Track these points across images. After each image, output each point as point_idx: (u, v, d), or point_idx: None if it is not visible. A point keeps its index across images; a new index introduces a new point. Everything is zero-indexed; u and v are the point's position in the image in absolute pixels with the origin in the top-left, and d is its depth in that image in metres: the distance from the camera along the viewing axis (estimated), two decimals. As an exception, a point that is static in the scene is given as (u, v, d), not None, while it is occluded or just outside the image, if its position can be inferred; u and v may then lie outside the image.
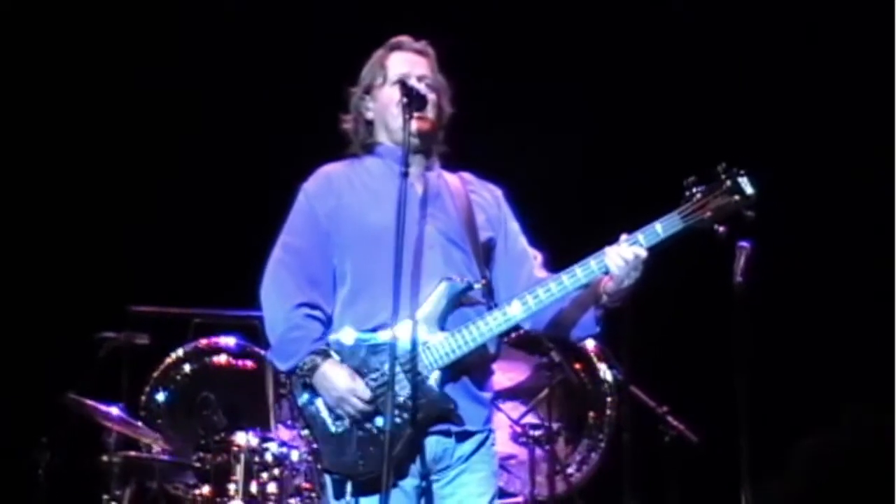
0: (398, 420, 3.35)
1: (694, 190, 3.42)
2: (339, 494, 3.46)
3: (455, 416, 3.42)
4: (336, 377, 3.41)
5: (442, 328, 3.44)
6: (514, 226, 3.73)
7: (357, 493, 3.42)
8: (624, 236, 3.44)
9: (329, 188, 3.63)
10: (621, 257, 3.40)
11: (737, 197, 3.40)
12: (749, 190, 3.41)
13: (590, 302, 3.53)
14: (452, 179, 3.68)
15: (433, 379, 3.41)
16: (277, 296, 3.54)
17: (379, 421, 3.37)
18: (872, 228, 6.25)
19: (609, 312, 3.58)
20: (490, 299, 3.56)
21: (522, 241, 3.72)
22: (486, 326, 3.43)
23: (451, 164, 3.76)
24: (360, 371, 3.43)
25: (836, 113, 6.40)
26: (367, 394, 3.39)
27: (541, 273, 3.64)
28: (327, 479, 3.52)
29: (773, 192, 6.44)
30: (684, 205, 3.42)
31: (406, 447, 3.37)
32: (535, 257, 3.80)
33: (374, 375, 3.41)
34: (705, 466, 5.74)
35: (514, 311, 3.44)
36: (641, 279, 3.44)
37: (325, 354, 3.45)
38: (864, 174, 6.34)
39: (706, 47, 6.60)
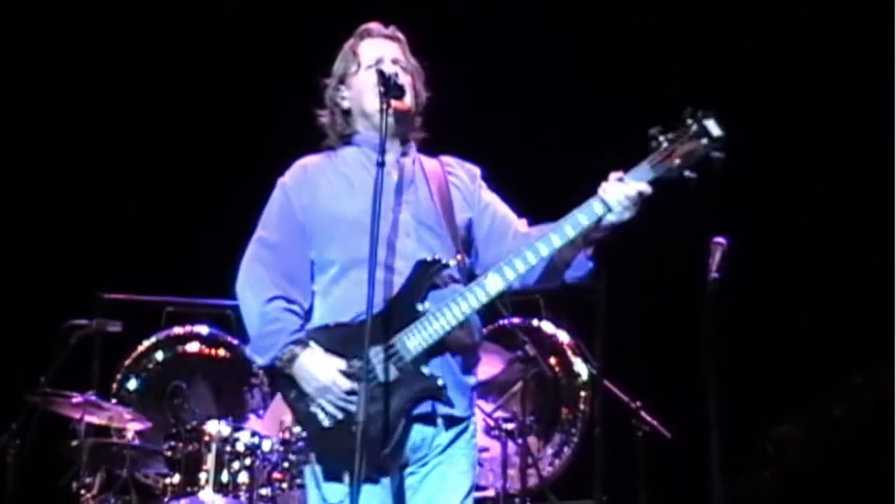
0: (380, 407, 3.32)
1: (661, 139, 3.34)
2: (330, 477, 3.42)
3: (443, 393, 3.37)
4: (316, 367, 3.39)
5: (420, 310, 3.40)
6: (490, 196, 3.69)
7: (341, 479, 3.38)
8: (613, 175, 3.37)
9: (305, 181, 3.61)
10: (624, 195, 3.33)
11: (704, 140, 3.31)
12: (716, 132, 3.31)
13: (578, 243, 3.45)
14: (430, 164, 3.66)
15: (415, 362, 3.37)
16: (253, 291, 3.51)
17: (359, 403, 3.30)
18: (849, 226, 6.28)
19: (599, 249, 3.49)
20: (469, 279, 3.51)
21: (502, 207, 3.67)
22: (465, 304, 3.38)
23: (431, 149, 3.74)
24: (341, 358, 3.40)
25: (816, 108, 6.41)
26: (347, 384, 3.36)
27: (525, 229, 3.58)
28: (317, 467, 3.46)
29: (749, 188, 6.50)
30: (652, 154, 3.34)
31: (398, 439, 3.35)
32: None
33: (353, 362, 3.38)
34: (678, 462, 5.75)
35: (497, 282, 3.38)
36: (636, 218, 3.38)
37: (304, 344, 3.42)
38: (841, 169, 6.35)
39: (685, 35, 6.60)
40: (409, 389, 3.37)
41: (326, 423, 3.39)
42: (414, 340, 3.37)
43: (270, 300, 3.48)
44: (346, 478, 3.35)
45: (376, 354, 3.35)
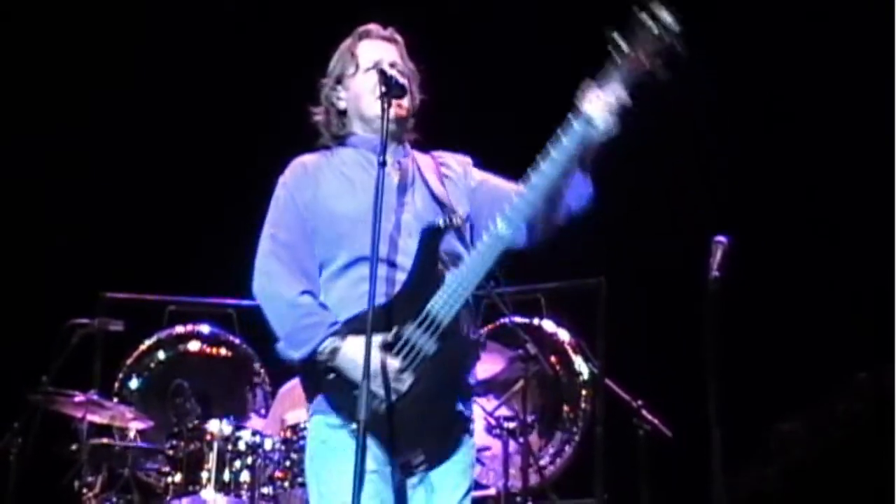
0: (429, 383, 3.31)
1: (620, 42, 3.30)
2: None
3: (482, 347, 3.38)
4: (359, 354, 3.27)
5: (441, 275, 3.37)
6: (482, 174, 3.67)
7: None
8: (587, 89, 3.34)
9: (307, 178, 3.59)
10: (604, 102, 3.30)
11: (664, 35, 3.27)
12: (669, 20, 3.28)
13: (571, 174, 3.41)
14: (424, 161, 3.66)
15: (453, 323, 3.34)
16: (279, 288, 3.45)
17: (409, 380, 3.31)
18: (850, 224, 6.28)
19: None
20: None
21: (496, 179, 3.65)
22: (479, 256, 3.36)
23: (427, 146, 3.75)
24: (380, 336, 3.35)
25: (817, 108, 6.42)
26: (396, 362, 3.34)
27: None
28: (345, 431, 3.35)
29: (750, 187, 6.51)
30: (616, 59, 3.30)
31: (451, 411, 3.36)
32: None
33: (390, 338, 3.34)
34: (679, 461, 5.76)
35: (500, 227, 3.35)
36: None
37: (343, 335, 3.36)
38: (841, 169, 6.36)
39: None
40: (453, 354, 3.36)
41: (381, 409, 3.33)
42: (444, 304, 3.34)
43: (301, 294, 3.43)
44: (394, 458, 3.33)
45: (412, 331, 3.33)
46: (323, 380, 3.40)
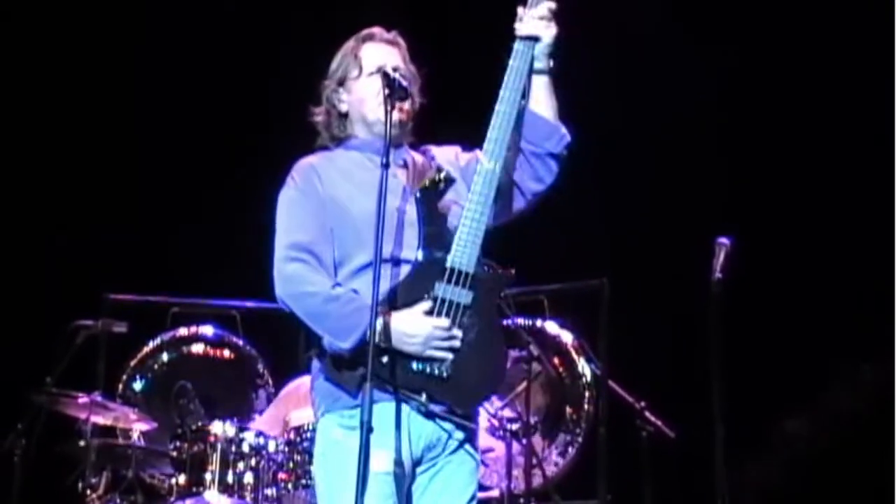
0: (476, 330, 3.39)
1: None
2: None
3: (511, 274, 3.45)
4: (408, 324, 3.34)
5: (451, 230, 3.44)
6: (468, 154, 3.69)
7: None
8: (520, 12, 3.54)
9: (317, 177, 3.59)
10: (537, 16, 3.52)
11: None
12: None
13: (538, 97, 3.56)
14: (420, 160, 3.68)
15: (479, 266, 3.41)
16: (308, 286, 3.43)
17: (460, 333, 3.37)
18: (852, 226, 6.29)
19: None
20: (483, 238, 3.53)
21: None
22: (476, 194, 3.43)
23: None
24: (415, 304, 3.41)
25: (819, 108, 6.42)
26: (445, 321, 3.37)
27: None
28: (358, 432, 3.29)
29: (752, 189, 6.51)
30: None
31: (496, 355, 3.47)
32: None
33: (430, 301, 3.39)
34: (682, 462, 5.76)
35: (486, 163, 3.45)
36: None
37: (385, 313, 3.36)
38: (843, 169, 6.36)
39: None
40: (489, 296, 3.43)
41: (446, 372, 3.37)
42: (464, 253, 3.40)
43: (335, 286, 3.43)
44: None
45: (444, 290, 3.37)
46: (374, 364, 3.30)
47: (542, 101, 3.58)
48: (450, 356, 3.38)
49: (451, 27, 6.71)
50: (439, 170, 3.53)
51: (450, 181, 3.50)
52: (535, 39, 3.53)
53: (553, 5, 3.54)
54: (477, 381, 3.43)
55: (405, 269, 3.43)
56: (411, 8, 5.89)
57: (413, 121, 3.68)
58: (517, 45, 3.53)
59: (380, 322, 3.32)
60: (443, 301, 3.38)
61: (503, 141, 3.48)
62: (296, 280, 3.45)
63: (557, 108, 3.60)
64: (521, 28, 3.54)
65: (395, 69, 3.59)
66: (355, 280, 3.47)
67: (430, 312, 3.38)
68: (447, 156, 3.70)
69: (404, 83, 3.53)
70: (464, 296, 3.39)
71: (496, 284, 3.47)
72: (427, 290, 3.39)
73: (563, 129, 3.60)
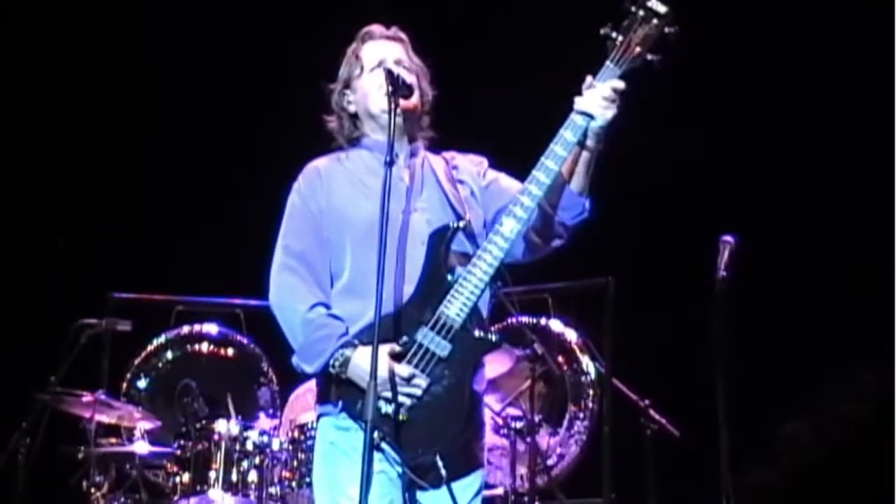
0: (445, 384, 3.34)
1: (614, 35, 3.41)
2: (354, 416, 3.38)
3: (500, 342, 3.41)
4: (369, 364, 3.28)
5: (450, 280, 3.40)
6: (494, 172, 3.69)
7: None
8: (584, 86, 3.43)
9: (320, 184, 3.60)
10: (601, 96, 3.39)
11: (655, 21, 3.40)
12: (662, 8, 3.41)
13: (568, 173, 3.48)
14: (438, 163, 3.66)
15: (465, 326, 3.37)
16: (291, 302, 3.48)
17: (424, 383, 3.34)
18: (856, 225, 6.28)
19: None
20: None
21: (507, 179, 3.67)
22: (489, 255, 3.38)
23: (439, 144, 3.75)
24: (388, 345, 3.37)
25: (822, 107, 6.41)
26: (406, 370, 3.35)
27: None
28: (354, 433, 3.36)
29: (757, 187, 6.50)
30: (612, 52, 3.41)
31: (469, 410, 3.37)
32: None
33: (402, 343, 3.36)
34: (686, 460, 5.76)
35: (507, 224, 3.39)
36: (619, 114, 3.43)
37: (353, 346, 3.38)
38: (846, 168, 6.35)
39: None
40: (466, 355, 3.37)
41: (402, 416, 3.34)
42: (456, 306, 3.36)
43: (312, 307, 3.45)
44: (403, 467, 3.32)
45: (425, 335, 3.35)
46: (339, 385, 3.40)
47: (578, 173, 3.50)
48: (407, 402, 3.35)
49: (452, 27, 6.70)
50: (459, 218, 3.49)
51: (466, 230, 3.48)
52: (591, 117, 3.41)
53: (621, 86, 3.41)
54: (429, 434, 3.34)
55: (405, 286, 3.42)
56: (411, 8, 5.90)
57: (427, 114, 3.68)
58: (573, 116, 3.42)
59: (342, 353, 3.36)
60: (420, 346, 3.36)
61: (532, 209, 3.42)
62: (283, 290, 3.50)
63: (589, 185, 3.52)
64: (580, 103, 3.41)
65: (397, 62, 3.60)
66: (346, 301, 3.48)
67: (402, 355, 3.36)
68: (470, 169, 3.68)
69: (407, 78, 3.53)
70: (442, 347, 3.36)
71: (475, 348, 3.40)
72: (409, 331, 3.36)
73: (587, 205, 3.53)
